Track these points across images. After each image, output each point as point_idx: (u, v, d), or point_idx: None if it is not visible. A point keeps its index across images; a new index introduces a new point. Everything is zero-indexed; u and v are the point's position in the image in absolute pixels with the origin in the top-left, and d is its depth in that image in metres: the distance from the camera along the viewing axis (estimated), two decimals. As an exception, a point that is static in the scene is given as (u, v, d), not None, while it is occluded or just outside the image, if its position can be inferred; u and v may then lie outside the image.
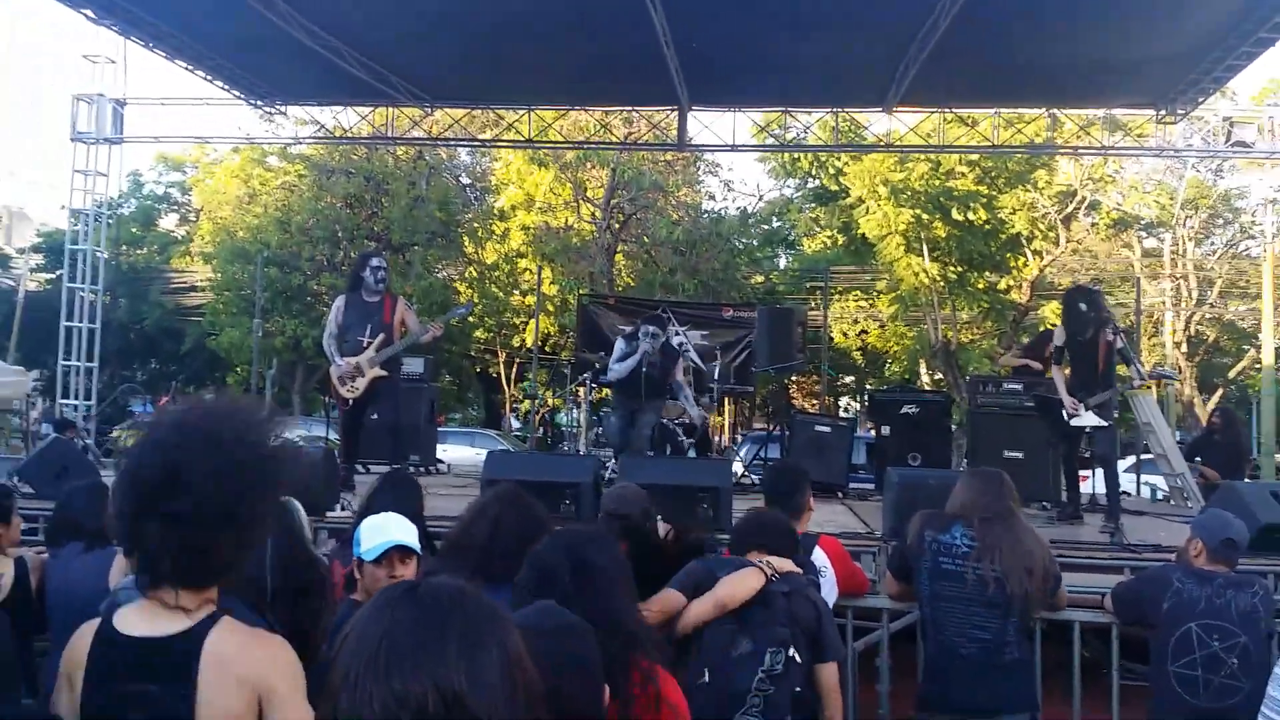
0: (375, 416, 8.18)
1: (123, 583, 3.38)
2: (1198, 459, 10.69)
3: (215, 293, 28.74)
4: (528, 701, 1.40)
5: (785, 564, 3.60)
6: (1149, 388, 10.90)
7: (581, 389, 12.13)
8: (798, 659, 3.41)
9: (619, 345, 9.36)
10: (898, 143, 14.95)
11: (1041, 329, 24.72)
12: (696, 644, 3.46)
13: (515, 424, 32.80)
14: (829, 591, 4.30)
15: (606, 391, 14.08)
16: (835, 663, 3.59)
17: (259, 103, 14.38)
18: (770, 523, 3.88)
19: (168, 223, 38.59)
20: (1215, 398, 29.63)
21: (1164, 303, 28.33)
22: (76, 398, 14.07)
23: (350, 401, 7.91)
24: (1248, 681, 3.95)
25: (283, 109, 14.94)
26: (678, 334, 14.19)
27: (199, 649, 2.08)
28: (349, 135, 16.11)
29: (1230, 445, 10.71)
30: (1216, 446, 10.71)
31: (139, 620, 2.14)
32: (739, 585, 3.44)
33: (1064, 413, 7.37)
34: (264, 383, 16.05)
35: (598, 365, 11.83)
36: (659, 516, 4.28)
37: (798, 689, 3.40)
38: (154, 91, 15.26)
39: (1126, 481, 12.46)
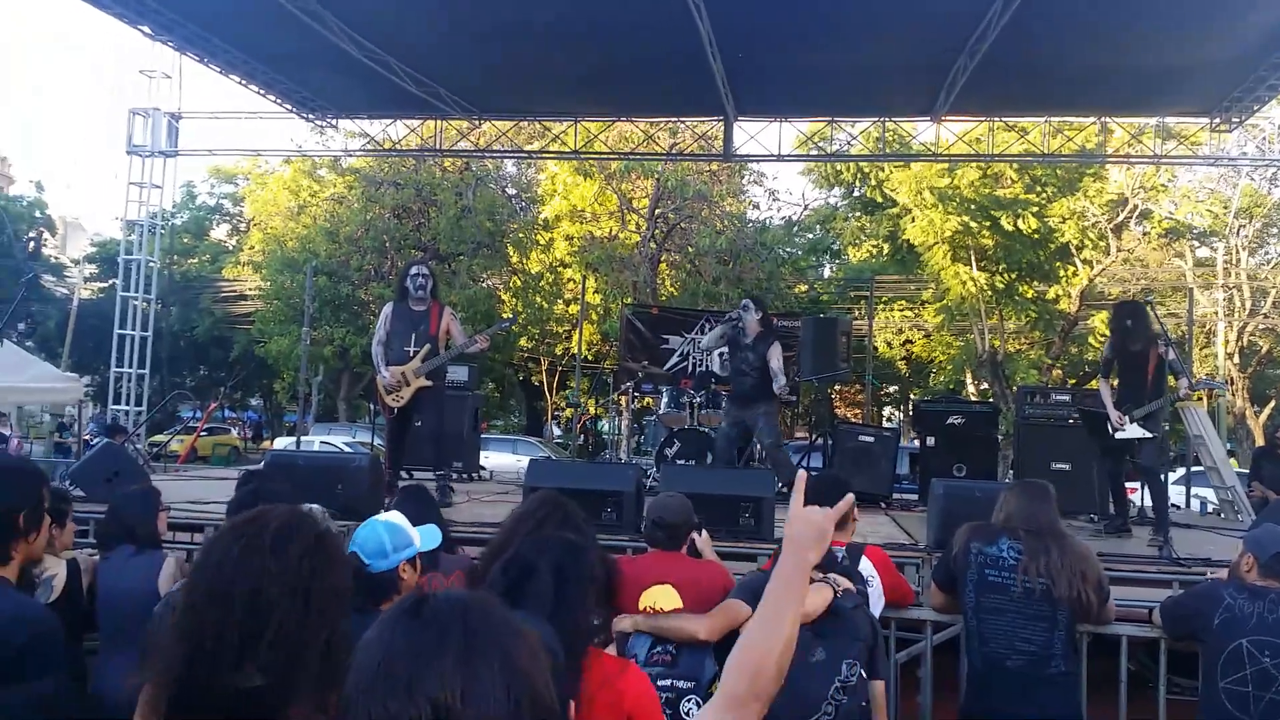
0: (419, 424, 8.23)
1: (176, 586, 3.45)
2: (1254, 481, 10.42)
3: (265, 301, 29.16)
4: (534, 716, 1.35)
5: (845, 582, 3.59)
6: (1199, 398, 10.74)
7: (624, 397, 12.16)
8: (864, 674, 3.41)
9: (717, 329, 9.26)
10: (945, 150, 14.85)
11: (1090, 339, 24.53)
12: None
13: (557, 432, 32.92)
14: (875, 601, 4.28)
15: (649, 401, 14.10)
16: (883, 680, 3.58)
17: (310, 116, 14.58)
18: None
19: (219, 233, 39.26)
20: (1268, 410, 29.09)
21: (1216, 313, 27.88)
22: (128, 403, 14.32)
23: (395, 410, 7.98)
24: None
25: (333, 122, 15.14)
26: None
27: None
28: (398, 147, 16.30)
29: None
30: (1275, 460, 10.47)
31: None
32: (813, 599, 3.39)
33: (1109, 426, 7.30)
34: (310, 390, 16.23)
35: (640, 374, 11.86)
36: (700, 527, 4.28)
37: (864, 702, 3.40)
38: (208, 105, 15.52)
39: (1176, 494, 12.28)
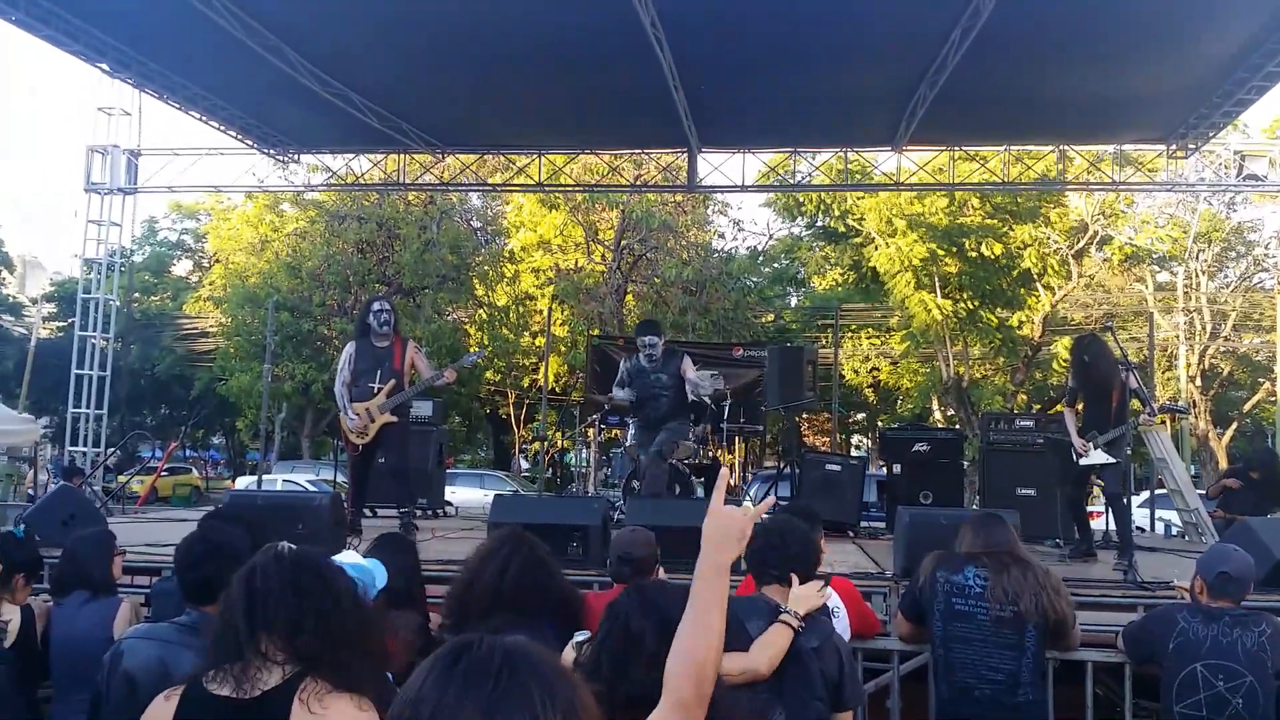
0: (383, 460, 8.15)
1: (129, 631, 3.37)
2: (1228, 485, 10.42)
3: (225, 337, 28.91)
4: None
5: (809, 598, 3.48)
6: (1162, 422, 10.81)
7: (591, 430, 12.09)
8: None
9: (622, 364, 9.14)
10: (907, 180, 14.99)
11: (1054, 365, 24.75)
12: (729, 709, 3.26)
13: (525, 465, 32.78)
14: (841, 631, 4.25)
15: (616, 432, 14.04)
16: (852, 710, 3.52)
17: (271, 151, 14.52)
18: (794, 548, 3.63)
19: (181, 269, 38.97)
20: (1230, 431, 29.43)
21: (1177, 337, 28.22)
22: (86, 444, 14.11)
23: (359, 447, 7.90)
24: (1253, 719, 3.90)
25: (295, 156, 15.08)
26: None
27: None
28: (361, 181, 16.25)
29: (1267, 484, 10.47)
30: (1252, 485, 10.50)
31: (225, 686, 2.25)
32: (773, 649, 3.30)
33: (1073, 453, 7.35)
34: (273, 427, 16.06)
35: (608, 406, 11.80)
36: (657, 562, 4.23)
37: None
38: (169, 139, 15.46)
39: (1140, 517, 12.34)
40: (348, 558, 3.20)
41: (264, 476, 17.33)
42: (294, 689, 2.20)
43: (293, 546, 2.64)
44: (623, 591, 2.79)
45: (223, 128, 13.48)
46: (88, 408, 14.26)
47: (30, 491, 15.76)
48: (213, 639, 2.40)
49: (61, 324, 35.20)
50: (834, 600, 4.34)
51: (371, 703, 2.23)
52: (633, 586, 2.84)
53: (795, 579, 3.52)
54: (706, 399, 9.30)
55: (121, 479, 14.14)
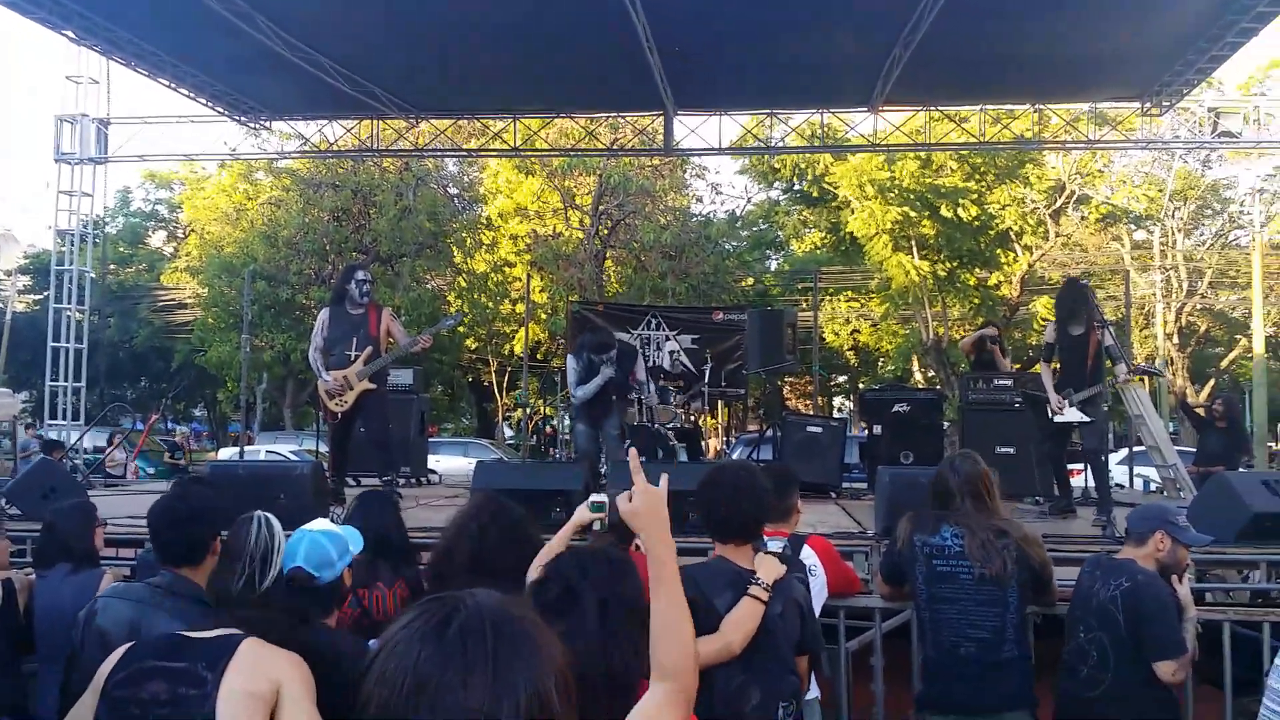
0: (364, 429, 8.14)
1: (104, 590, 3.38)
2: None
3: (203, 308, 28.71)
4: None
5: (772, 568, 3.39)
6: (1140, 381, 10.91)
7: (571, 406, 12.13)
8: (800, 710, 3.40)
9: (571, 362, 8.80)
10: (884, 141, 14.97)
11: (1034, 324, 24.92)
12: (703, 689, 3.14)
13: (509, 433, 32.78)
14: (819, 591, 4.27)
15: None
16: (810, 654, 3.54)
17: (243, 119, 14.35)
18: (747, 501, 3.45)
19: (156, 240, 38.62)
20: (1208, 388, 29.70)
21: (1154, 294, 28.40)
22: (65, 418, 14.03)
23: (339, 415, 7.88)
24: (1107, 674, 3.94)
25: (267, 124, 14.92)
26: (668, 338, 14.21)
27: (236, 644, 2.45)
28: (334, 149, 16.10)
29: (1232, 434, 10.67)
30: (1218, 434, 10.67)
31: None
32: (745, 626, 3.25)
33: (1049, 409, 7.40)
34: (254, 398, 15.99)
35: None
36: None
37: None
38: (140, 109, 15.28)
39: (1119, 473, 12.46)
40: (320, 525, 3.21)
41: (247, 447, 17.26)
42: None
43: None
44: (561, 554, 2.79)
45: (192, 94, 13.31)
46: (65, 381, 14.16)
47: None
48: None
49: (37, 297, 34.89)
50: (811, 559, 4.36)
51: None
52: (570, 551, 2.85)
53: (760, 548, 3.49)
54: (649, 402, 9.44)
55: (104, 447, 14.08)
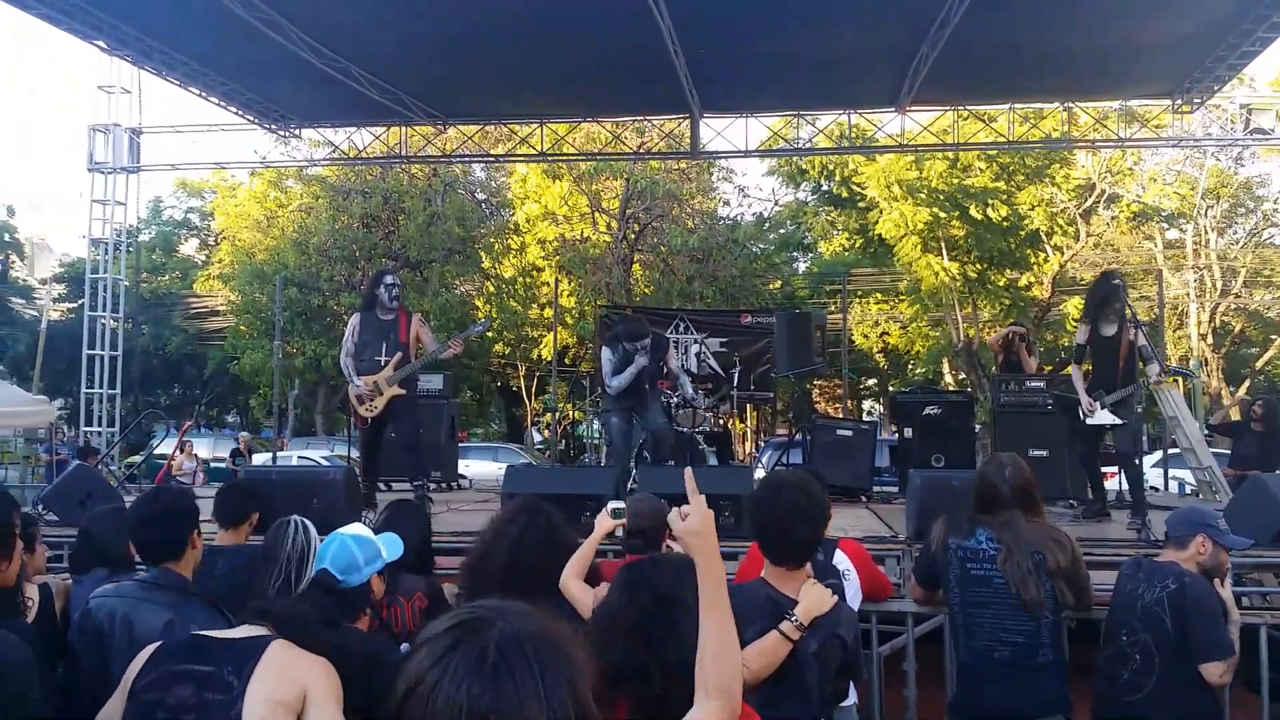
0: (394, 434, 8.18)
1: (96, 590, 3.46)
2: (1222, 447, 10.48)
3: (235, 315, 28.95)
4: None
5: (816, 602, 3.18)
6: (1174, 382, 10.79)
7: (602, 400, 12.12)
8: None
9: (606, 354, 8.83)
10: (912, 142, 14.91)
11: (1068, 325, 24.69)
12: None
13: (538, 438, 32.83)
14: (853, 596, 4.24)
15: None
16: (850, 669, 3.41)
17: (273, 126, 14.47)
18: (803, 528, 3.30)
19: (188, 248, 39.00)
20: (1243, 388, 29.34)
21: (1188, 294, 28.10)
22: (100, 425, 14.17)
23: (369, 420, 7.92)
24: (1151, 678, 3.90)
25: (297, 132, 15.03)
26: (696, 342, 14.18)
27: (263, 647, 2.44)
28: (364, 155, 16.19)
29: (1270, 435, 10.50)
30: (1255, 437, 10.52)
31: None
32: (764, 660, 3.08)
33: (1080, 411, 7.33)
34: (286, 404, 16.12)
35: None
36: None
37: None
38: (171, 118, 15.40)
39: (1154, 476, 12.32)
40: (354, 529, 3.23)
41: (279, 453, 17.37)
42: None
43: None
44: (619, 571, 2.78)
45: (223, 103, 13.43)
46: (100, 388, 14.31)
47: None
48: None
49: (71, 305, 35.29)
50: (845, 564, 4.33)
51: None
52: (625, 566, 2.83)
53: (809, 576, 3.33)
54: (687, 394, 9.40)
55: (136, 458, 14.23)
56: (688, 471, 2.28)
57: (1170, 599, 3.91)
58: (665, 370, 8.99)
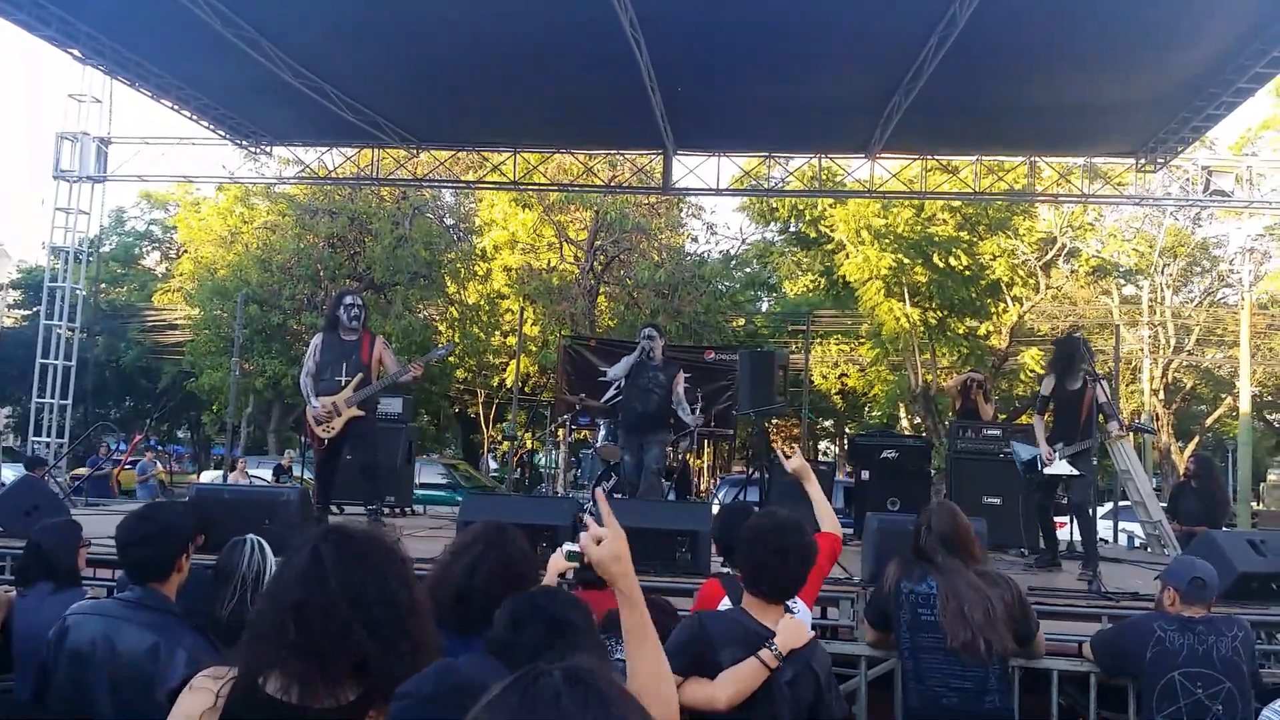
0: (350, 457, 8.10)
1: (73, 607, 3.35)
2: (1169, 510, 10.67)
3: (195, 331, 28.63)
4: None
5: (793, 635, 3.25)
6: (1132, 438, 10.94)
7: (561, 430, 12.08)
8: None
9: (625, 358, 9.24)
10: (880, 188, 15.08)
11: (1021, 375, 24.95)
12: None
13: (493, 465, 32.64)
14: (804, 618, 4.23)
15: (585, 433, 14.02)
16: None
17: (244, 143, 14.40)
18: (794, 562, 3.37)
19: (149, 260, 38.58)
20: (1192, 445, 29.78)
21: (1142, 349, 28.52)
22: (50, 435, 13.94)
23: (325, 441, 7.85)
24: None
25: (268, 149, 14.96)
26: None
27: None
28: (334, 175, 16.14)
29: (1207, 493, 10.69)
30: (1193, 494, 10.71)
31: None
32: (739, 685, 3.13)
33: (1038, 460, 7.42)
34: (240, 421, 15.93)
35: (578, 406, 11.79)
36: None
37: None
38: (140, 128, 15.30)
39: (1104, 528, 12.46)
40: None
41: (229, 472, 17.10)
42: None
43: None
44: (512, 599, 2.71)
45: (195, 118, 13.36)
46: (52, 398, 14.10)
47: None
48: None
49: (26, 312, 34.78)
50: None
51: None
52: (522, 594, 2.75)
53: (786, 610, 3.37)
54: (687, 421, 9.43)
55: (83, 470, 13.99)
56: (598, 491, 2.24)
57: (1244, 646, 4.11)
58: (675, 396, 9.08)
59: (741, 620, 3.32)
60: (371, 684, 2.00)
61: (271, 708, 1.97)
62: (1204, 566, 4.42)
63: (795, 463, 4.44)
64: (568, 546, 3.31)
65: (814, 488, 4.37)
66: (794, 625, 3.29)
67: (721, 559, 4.24)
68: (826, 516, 4.26)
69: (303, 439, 11.66)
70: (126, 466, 16.71)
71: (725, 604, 3.74)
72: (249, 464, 22.94)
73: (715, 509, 10.80)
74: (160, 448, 29.86)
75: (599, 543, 2.11)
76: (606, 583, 2.21)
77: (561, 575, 3.90)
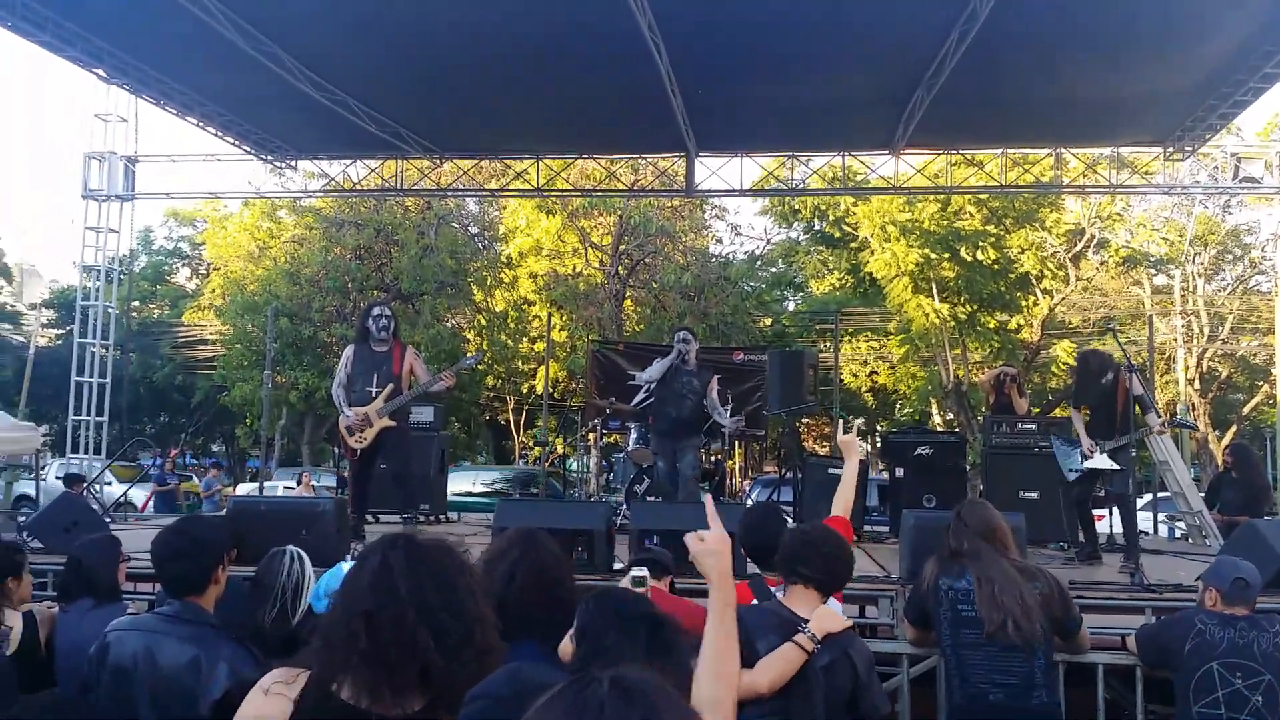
0: (384, 466, 8.13)
1: (113, 624, 3.36)
2: (1214, 503, 10.53)
3: (226, 346, 28.85)
4: None
5: (828, 620, 3.32)
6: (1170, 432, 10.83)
7: (592, 435, 12.08)
8: None
9: (659, 360, 9.24)
10: (905, 184, 15.00)
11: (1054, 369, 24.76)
12: None
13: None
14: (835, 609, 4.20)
15: (616, 437, 14.02)
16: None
17: (269, 157, 14.51)
18: (828, 552, 3.50)
19: (178, 277, 38.91)
20: (1229, 434, 29.42)
21: (1175, 340, 28.20)
22: (86, 452, 14.08)
23: (359, 451, 7.88)
24: (1276, 715, 3.94)
25: (293, 163, 15.06)
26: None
27: None
28: (358, 188, 16.23)
29: (1247, 482, 10.55)
30: (1234, 484, 10.57)
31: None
32: (777, 670, 3.18)
33: (1079, 453, 7.34)
34: (274, 434, 16.05)
35: (608, 411, 11.78)
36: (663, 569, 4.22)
37: None
38: (166, 146, 15.52)
39: (1144, 520, 12.34)
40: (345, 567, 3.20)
41: (265, 483, 17.28)
42: None
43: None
44: (581, 600, 2.71)
45: (220, 133, 13.49)
46: (88, 415, 14.24)
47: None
48: None
49: (59, 331, 35.15)
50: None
51: None
52: (590, 595, 2.74)
53: (822, 599, 3.44)
54: (725, 425, 9.42)
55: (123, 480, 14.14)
56: (708, 498, 2.44)
57: None
58: (710, 401, 9.09)
59: (776, 610, 3.40)
60: (436, 693, 2.03)
61: (345, 714, 2.02)
62: (1247, 567, 4.35)
63: (848, 436, 4.74)
64: (635, 572, 3.28)
65: (850, 468, 4.57)
66: (827, 611, 3.36)
67: (749, 560, 4.20)
68: (842, 500, 4.40)
69: (336, 450, 11.70)
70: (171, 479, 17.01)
71: None
72: (281, 476, 23.15)
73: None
74: (223, 465, 30.20)
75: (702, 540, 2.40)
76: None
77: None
